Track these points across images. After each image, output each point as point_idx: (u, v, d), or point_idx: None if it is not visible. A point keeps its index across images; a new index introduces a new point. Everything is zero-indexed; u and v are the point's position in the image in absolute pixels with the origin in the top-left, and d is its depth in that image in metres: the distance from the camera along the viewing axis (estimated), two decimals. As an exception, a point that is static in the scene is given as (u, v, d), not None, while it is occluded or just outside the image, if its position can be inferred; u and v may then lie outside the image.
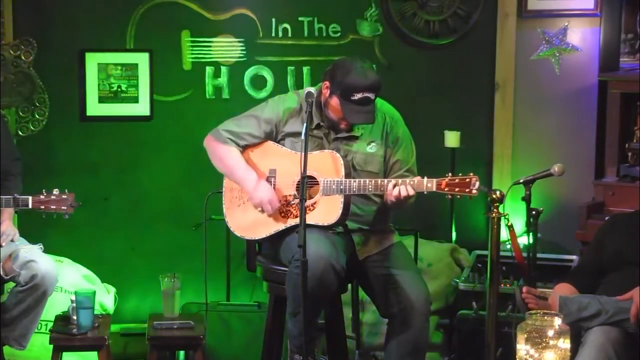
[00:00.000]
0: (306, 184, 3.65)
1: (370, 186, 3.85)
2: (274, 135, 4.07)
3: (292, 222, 3.96)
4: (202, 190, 4.50)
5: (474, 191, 3.75)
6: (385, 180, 3.86)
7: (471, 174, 3.77)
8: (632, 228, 4.02)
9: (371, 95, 3.90)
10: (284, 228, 3.98)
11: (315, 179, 3.91)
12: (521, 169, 5.13)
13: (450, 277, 4.90)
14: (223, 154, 4.08)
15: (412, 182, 3.78)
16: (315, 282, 3.64)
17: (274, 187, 4.01)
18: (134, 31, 5.11)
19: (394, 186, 3.80)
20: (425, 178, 3.79)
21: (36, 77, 4.98)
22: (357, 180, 3.87)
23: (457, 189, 3.74)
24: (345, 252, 3.94)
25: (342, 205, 3.87)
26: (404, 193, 3.78)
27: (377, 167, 4.02)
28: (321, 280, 3.67)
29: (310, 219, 3.84)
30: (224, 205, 4.13)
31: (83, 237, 5.16)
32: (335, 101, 3.93)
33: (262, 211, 3.99)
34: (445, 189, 3.75)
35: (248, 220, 4.06)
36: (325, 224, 3.86)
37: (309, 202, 3.91)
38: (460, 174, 3.77)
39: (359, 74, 3.89)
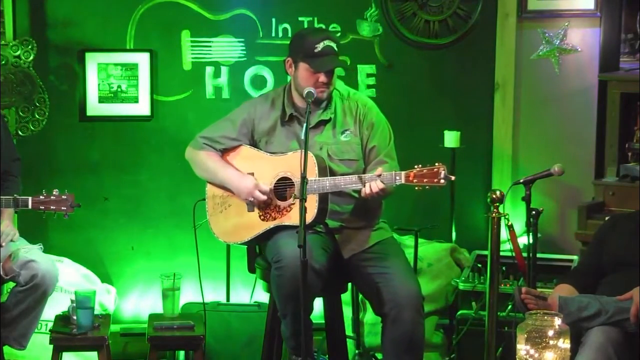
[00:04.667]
0: (306, 184, 3.64)
1: (342, 182, 3.84)
2: (250, 136, 4.10)
3: (272, 224, 3.98)
4: (202, 190, 4.49)
5: (442, 181, 3.71)
6: (358, 176, 3.84)
7: (438, 163, 3.73)
8: (632, 228, 4.02)
9: (332, 44, 3.95)
10: (264, 230, 3.99)
11: (290, 180, 3.92)
12: (521, 169, 5.14)
13: (450, 277, 4.90)
14: (201, 160, 4.13)
15: (382, 177, 3.78)
16: (295, 284, 3.62)
17: None
18: (134, 31, 5.11)
19: (364, 183, 3.79)
20: (394, 171, 3.78)
21: (36, 77, 4.98)
22: (330, 178, 3.87)
23: (425, 180, 3.71)
24: (325, 250, 3.92)
25: (316, 204, 3.87)
26: (375, 189, 3.78)
27: (354, 154, 4.03)
28: (301, 281, 3.64)
29: (287, 219, 3.88)
30: (207, 213, 4.17)
31: (83, 237, 5.16)
32: (302, 68, 3.96)
33: (255, 204, 3.99)
34: (414, 181, 3.73)
35: (230, 225, 4.09)
36: None
37: (285, 204, 3.94)
38: (428, 165, 3.75)
39: (314, 31, 4.13)
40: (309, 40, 3.96)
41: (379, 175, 3.77)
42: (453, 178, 3.77)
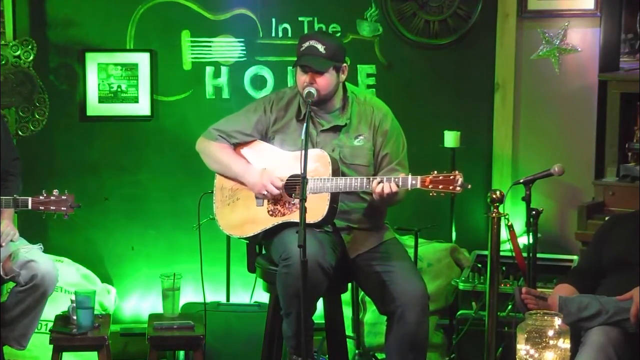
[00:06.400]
0: (305, 184, 3.63)
1: (356, 184, 3.85)
2: (265, 133, 4.10)
3: (280, 220, 3.98)
4: (202, 190, 4.50)
5: (458, 188, 3.73)
6: (372, 177, 3.85)
7: (455, 171, 3.76)
8: (632, 228, 4.02)
9: (317, 45, 3.95)
10: (272, 225, 3.99)
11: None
12: (521, 169, 5.14)
13: (450, 277, 4.90)
14: (214, 151, 4.13)
15: (396, 180, 3.78)
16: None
17: None
18: (134, 31, 5.11)
19: (379, 183, 3.80)
20: (410, 175, 3.79)
21: (36, 77, 4.98)
22: (343, 178, 3.88)
23: (440, 186, 3.73)
24: (334, 250, 3.94)
25: (328, 203, 3.87)
26: (387, 190, 3.79)
27: (365, 160, 4.03)
28: (309, 280, 3.64)
29: (296, 216, 3.86)
30: (214, 205, 4.17)
31: (83, 237, 5.16)
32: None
33: (267, 197, 4.00)
34: (430, 186, 3.74)
35: (236, 218, 4.09)
36: (312, 222, 3.83)
37: (296, 201, 3.94)
38: (445, 172, 3.76)
39: (310, 34, 4.23)
40: (300, 42, 4.02)
41: (396, 178, 3.78)
42: (470, 186, 3.78)
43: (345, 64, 4.06)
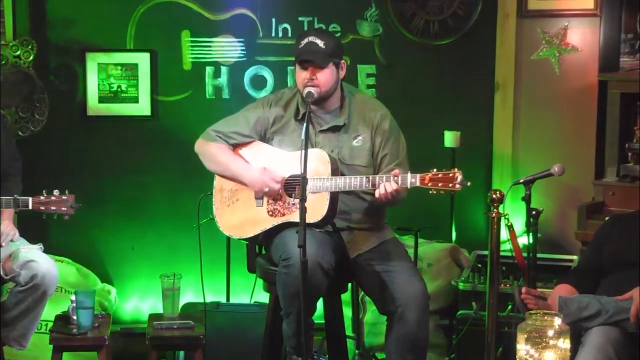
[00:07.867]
0: (305, 184, 3.64)
1: (355, 183, 3.85)
2: (264, 133, 4.11)
3: (280, 220, 3.98)
4: (202, 190, 4.50)
5: (457, 186, 3.74)
6: (371, 177, 3.86)
7: (454, 169, 3.76)
8: (632, 228, 4.02)
9: (316, 41, 3.95)
10: (272, 226, 3.99)
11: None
12: (521, 169, 5.14)
13: (450, 277, 4.90)
14: (213, 152, 4.13)
15: (396, 178, 3.78)
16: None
17: None
18: (134, 31, 5.11)
19: (379, 183, 3.79)
20: (409, 173, 3.79)
21: (36, 77, 4.98)
22: (343, 177, 3.88)
23: (440, 184, 3.74)
24: (335, 250, 3.94)
25: (328, 202, 3.87)
26: (388, 189, 3.79)
27: (364, 160, 4.03)
28: (309, 280, 3.64)
29: (296, 216, 3.85)
30: (214, 206, 4.17)
31: (83, 237, 5.17)
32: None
33: (268, 194, 4.00)
34: (429, 184, 3.75)
35: (236, 219, 4.09)
36: (312, 222, 3.83)
37: (294, 200, 3.95)
38: (444, 169, 3.77)
39: (308, 31, 4.31)
40: (298, 39, 4.02)
41: (396, 177, 3.78)
42: (469, 184, 3.78)
43: (343, 61, 4.06)
